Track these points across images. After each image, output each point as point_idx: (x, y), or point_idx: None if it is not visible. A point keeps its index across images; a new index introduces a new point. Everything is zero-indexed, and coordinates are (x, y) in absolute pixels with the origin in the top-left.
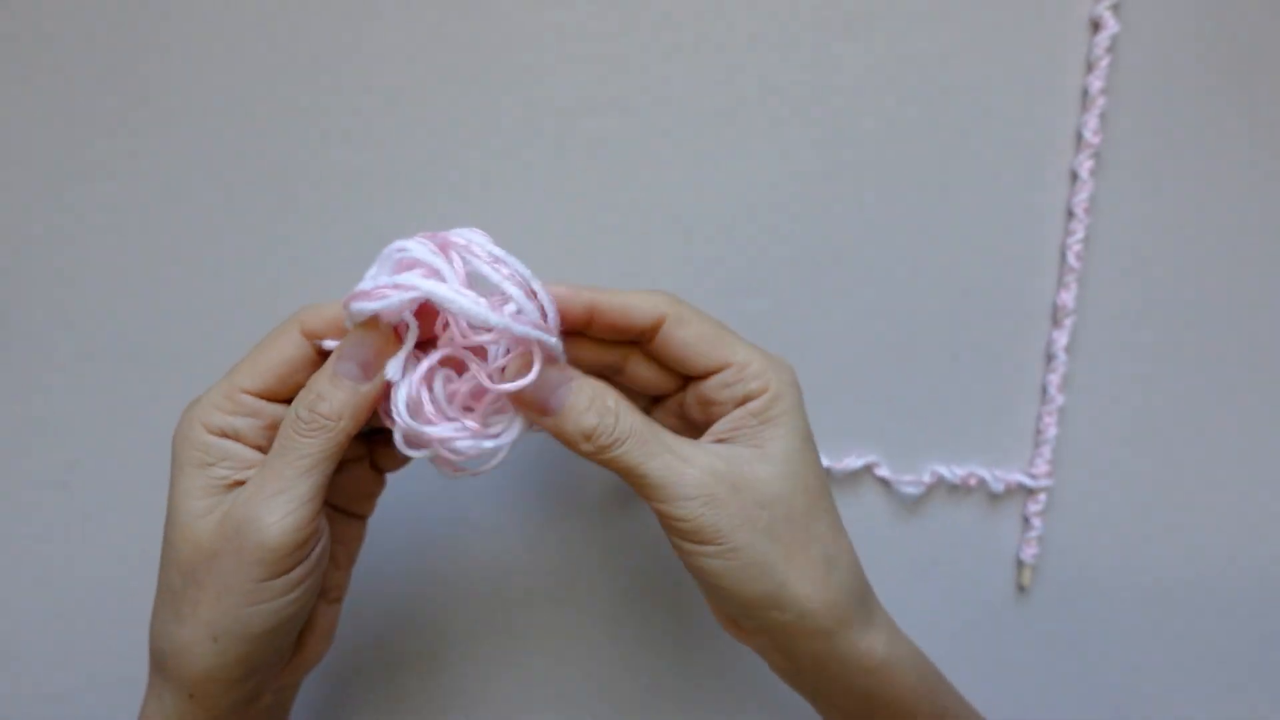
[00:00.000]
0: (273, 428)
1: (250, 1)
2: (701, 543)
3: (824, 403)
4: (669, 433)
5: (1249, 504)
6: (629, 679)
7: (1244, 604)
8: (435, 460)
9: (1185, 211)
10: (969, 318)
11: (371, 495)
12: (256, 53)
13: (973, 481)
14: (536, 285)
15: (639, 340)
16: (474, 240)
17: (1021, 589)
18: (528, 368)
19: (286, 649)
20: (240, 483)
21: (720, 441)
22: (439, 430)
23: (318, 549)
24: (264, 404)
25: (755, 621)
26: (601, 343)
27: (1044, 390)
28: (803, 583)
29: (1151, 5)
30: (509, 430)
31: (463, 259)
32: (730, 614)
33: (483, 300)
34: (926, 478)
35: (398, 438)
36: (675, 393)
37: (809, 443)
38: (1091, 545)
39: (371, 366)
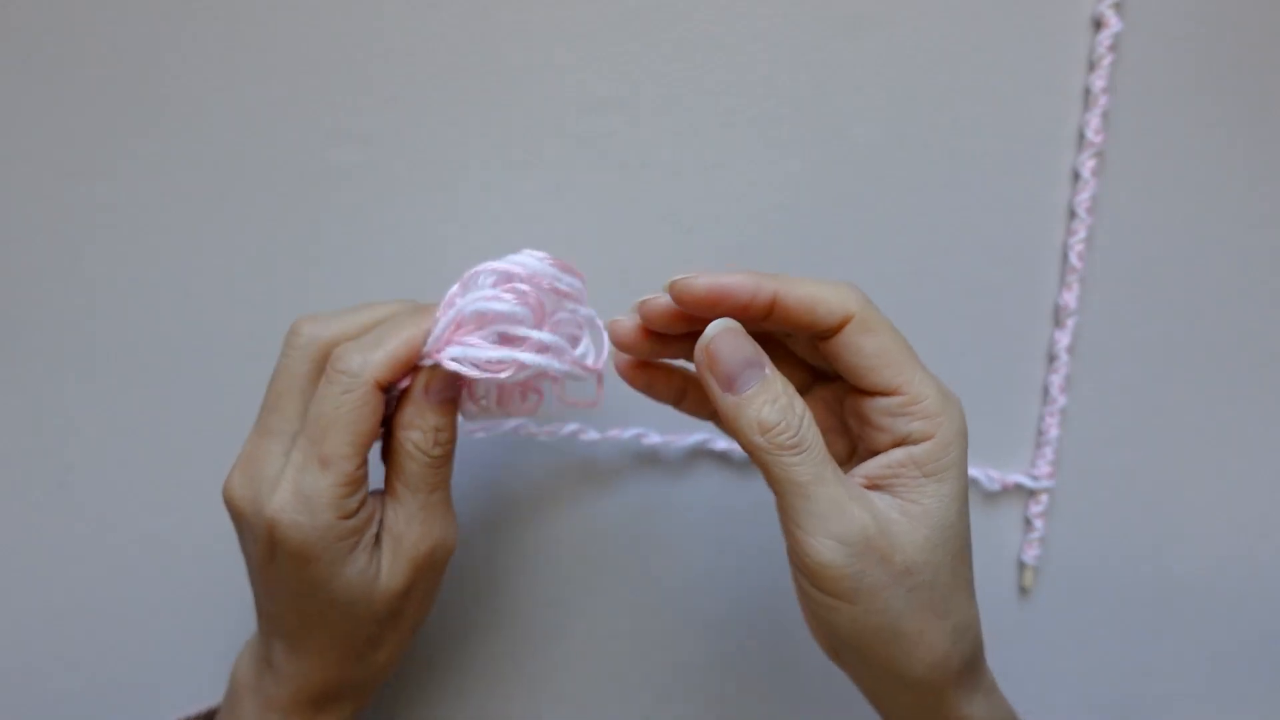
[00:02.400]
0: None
1: (252, 3)
2: (835, 598)
3: None
4: (837, 466)
5: (1250, 504)
6: (629, 677)
7: (1246, 603)
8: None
9: (1187, 211)
10: (970, 318)
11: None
12: (258, 53)
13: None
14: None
15: (816, 336)
16: (536, 271)
17: (1024, 590)
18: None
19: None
20: None
21: (874, 488)
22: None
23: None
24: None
25: (861, 669)
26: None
27: (1046, 391)
28: (926, 652)
29: (1154, 4)
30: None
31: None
32: (836, 650)
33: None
34: None
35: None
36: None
37: (964, 504)
38: (1094, 546)
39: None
